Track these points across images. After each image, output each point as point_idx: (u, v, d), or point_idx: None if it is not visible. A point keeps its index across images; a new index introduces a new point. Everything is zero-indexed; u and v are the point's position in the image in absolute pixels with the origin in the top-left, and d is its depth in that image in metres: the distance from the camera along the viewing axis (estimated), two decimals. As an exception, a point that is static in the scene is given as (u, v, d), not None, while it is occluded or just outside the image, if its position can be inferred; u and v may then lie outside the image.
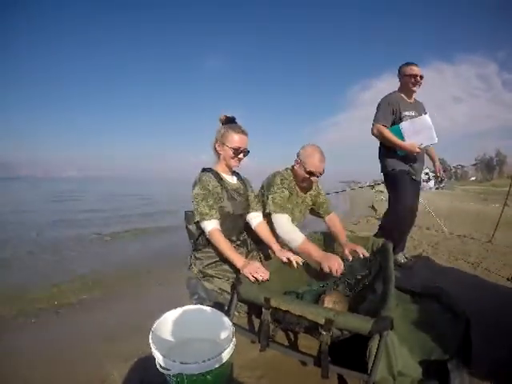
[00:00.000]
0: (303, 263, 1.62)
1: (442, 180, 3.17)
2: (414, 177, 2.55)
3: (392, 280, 1.37)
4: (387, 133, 2.44)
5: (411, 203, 2.53)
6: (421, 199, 3.09)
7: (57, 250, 3.77)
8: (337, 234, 1.99)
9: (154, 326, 1.01)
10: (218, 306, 1.45)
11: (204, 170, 1.67)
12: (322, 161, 1.86)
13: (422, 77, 2.46)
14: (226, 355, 0.89)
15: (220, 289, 1.59)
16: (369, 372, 0.99)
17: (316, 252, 1.59)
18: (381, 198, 11.12)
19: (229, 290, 1.49)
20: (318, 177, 1.90)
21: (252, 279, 1.33)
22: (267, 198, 1.83)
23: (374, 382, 0.99)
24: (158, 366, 0.87)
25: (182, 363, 0.84)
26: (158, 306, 1.29)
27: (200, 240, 1.64)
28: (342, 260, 1.83)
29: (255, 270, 1.35)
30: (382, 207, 8.31)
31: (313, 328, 1.12)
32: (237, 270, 1.46)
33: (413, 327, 1.30)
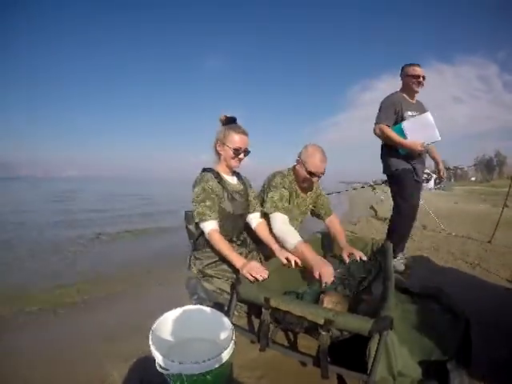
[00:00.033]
0: (304, 263, 1.62)
1: (441, 180, 3.15)
2: (416, 177, 2.54)
3: (392, 280, 1.37)
4: (390, 132, 2.43)
5: (417, 202, 2.56)
6: (420, 200, 3.09)
7: (57, 250, 3.77)
8: (336, 236, 1.99)
9: (154, 326, 1.01)
10: (217, 306, 1.45)
11: (204, 170, 1.67)
12: (323, 161, 1.84)
13: (424, 77, 2.46)
14: (225, 355, 0.89)
15: (220, 289, 1.59)
16: (368, 372, 0.99)
17: (310, 256, 1.55)
18: (381, 199, 11.12)
19: (228, 290, 1.49)
20: (319, 177, 1.88)
21: (251, 279, 1.33)
22: (267, 197, 1.83)
23: (374, 382, 0.99)
24: (157, 366, 0.87)
25: (181, 363, 0.84)
26: (157, 306, 1.29)
27: (200, 240, 1.64)
28: (341, 261, 1.85)
29: (254, 270, 1.35)
30: (382, 208, 8.32)
31: (312, 328, 1.12)
32: (236, 270, 1.46)
33: (412, 327, 1.30)
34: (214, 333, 1.07)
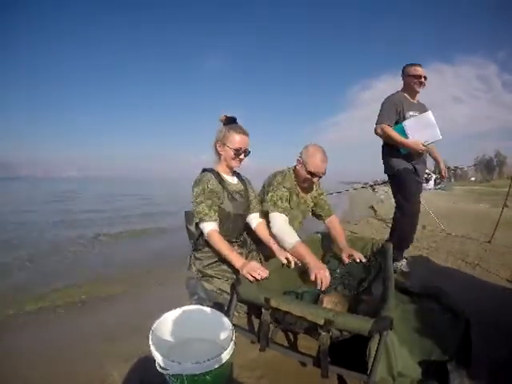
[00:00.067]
0: (302, 264, 1.62)
1: (443, 180, 3.13)
2: (417, 177, 2.54)
3: (392, 280, 1.37)
4: (391, 131, 2.42)
5: (419, 202, 2.54)
6: (421, 200, 3.08)
7: (57, 251, 3.77)
8: (336, 237, 1.99)
9: (154, 326, 1.01)
10: (217, 306, 1.45)
11: (205, 170, 1.66)
12: (323, 161, 1.83)
13: (426, 78, 2.45)
14: (225, 355, 0.89)
15: (219, 289, 1.59)
16: (368, 372, 0.99)
17: (308, 257, 1.53)
18: (381, 199, 11.13)
19: (228, 291, 1.48)
20: (319, 177, 1.87)
21: (251, 279, 1.33)
22: (267, 196, 1.82)
23: (374, 382, 0.99)
24: (157, 367, 0.87)
25: (181, 363, 0.84)
26: (157, 306, 1.29)
27: (200, 240, 1.64)
28: (341, 262, 1.85)
29: (254, 270, 1.35)
30: (382, 208, 8.33)
31: (312, 328, 1.12)
32: (236, 271, 1.46)
33: (412, 328, 1.30)
34: (213, 333, 1.07)
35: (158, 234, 5.19)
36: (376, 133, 2.55)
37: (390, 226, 2.86)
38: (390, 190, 2.73)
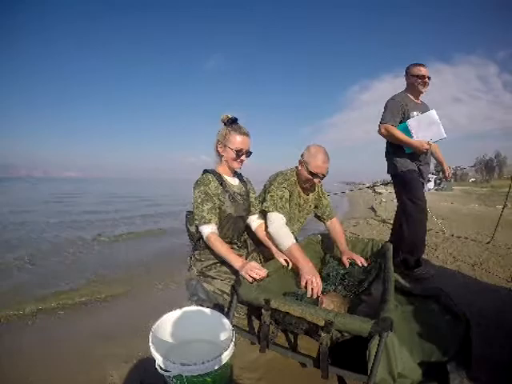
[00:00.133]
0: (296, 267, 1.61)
1: (446, 180, 3.11)
2: (421, 179, 2.52)
3: (392, 281, 1.37)
4: (395, 131, 2.40)
5: (425, 202, 2.45)
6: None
7: (57, 251, 3.76)
8: (337, 239, 1.98)
9: (154, 327, 1.01)
10: (217, 307, 1.45)
11: (206, 171, 1.66)
12: (325, 162, 1.80)
13: (429, 78, 2.43)
14: (225, 357, 0.89)
15: (220, 290, 1.59)
16: (368, 373, 0.99)
17: (302, 262, 1.53)
18: (380, 200, 11.13)
19: (229, 292, 1.48)
20: (321, 178, 1.85)
21: (249, 279, 1.34)
22: (267, 195, 1.81)
23: (374, 383, 0.99)
24: (157, 367, 0.87)
25: (181, 364, 0.84)
26: (157, 307, 1.30)
27: (200, 241, 1.64)
28: (342, 264, 1.85)
29: (252, 270, 1.35)
30: (382, 209, 8.33)
31: (312, 329, 1.12)
32: (235, 272, 1.46)
33: (412, 329, 1.30)
34: (214, 334, 1.07)
35: (158, 234, 5.18)
36: (380, 133, 2.52)
37: (391, 226, 2.85)
38: (393, 190, 2.70)
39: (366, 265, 1.83)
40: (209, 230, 1.51)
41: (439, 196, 14.05)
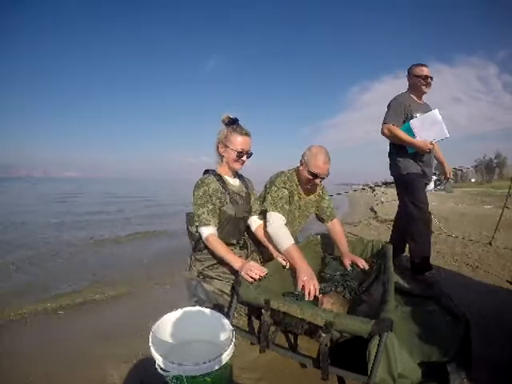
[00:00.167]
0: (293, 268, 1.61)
1: (447, 181, 3.09)
2: (426, 180, 2.51)
3: (392, 282, 1.37)
4: (398, 131, 2.39)
5: (427, 206, 2.40)
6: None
7: (57, 252, 3.77)
8: (337, 241, 1.98)
9: (154, 327, 1.01)
10: (217, 307, 1.45)
11: (207, 172, 1.66)
12: (326, 162, 1.78)
13: (432, 78, 2.42)
14: (225, 357, 0.89)
15: (220, 290, 1.59)
16: (368, 374, 0.99)
17: (299, 263, 1.51)
18: (381, 201, 11.13)
19: (228, 292, 1.49)
20: (322, 179, 1.83)
21: (249, 279, 1.34)
22: (267, 195, 1.81)
23: (374, 383, 0.99)
24: (157, 368, 0.88)
25: (181, 365, 0.84)
26: (157, 308, 1.30)
27: (201, 242, 1.63)
28: (342, 265, 1.85)
29: (252, 269, 1.35)
30: (382, 209, 8.32)
31: (312, 330, 1.12)
32: (235, 272, 1.46)
33: (412, 329, 1.30)
34: (214, 334, 1.07)
35: (158, 235, 5.19)
36: (383, 133, 2.50)
37: (392, 227, 2.84)
38: (395, 191, 2.69)
39: (367, 267, 1.82)
40: (208, 231, 1.51)
41: (439, 197, 14.04)
